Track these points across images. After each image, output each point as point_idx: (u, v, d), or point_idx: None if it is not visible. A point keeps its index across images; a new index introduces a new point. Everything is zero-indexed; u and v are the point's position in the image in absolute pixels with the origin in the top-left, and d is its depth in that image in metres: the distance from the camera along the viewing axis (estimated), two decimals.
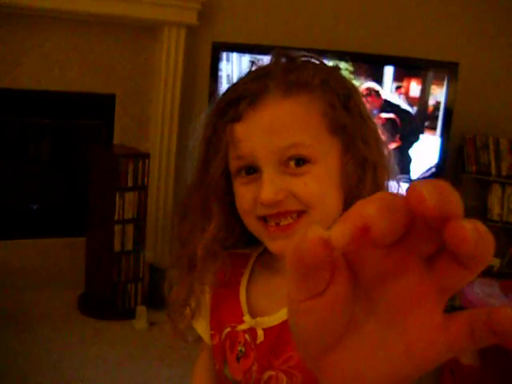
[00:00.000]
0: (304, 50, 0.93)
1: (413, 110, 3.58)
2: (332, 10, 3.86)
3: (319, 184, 0.83)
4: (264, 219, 0.85)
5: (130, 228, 3.47)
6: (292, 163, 0.83)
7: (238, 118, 0.85)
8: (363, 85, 3.51)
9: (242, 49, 3.51)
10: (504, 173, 3.81)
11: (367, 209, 0.30)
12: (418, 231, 0.31)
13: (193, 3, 3.64)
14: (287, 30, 3.69)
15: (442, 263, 0.32)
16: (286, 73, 0.86)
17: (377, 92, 3.53)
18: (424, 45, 3.77)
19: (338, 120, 0.85)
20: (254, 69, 0.91)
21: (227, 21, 3.80)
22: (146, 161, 3.49)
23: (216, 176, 0.88)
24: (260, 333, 0.89)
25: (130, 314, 3.43)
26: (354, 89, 0.91)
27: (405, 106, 3.56)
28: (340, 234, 0.30)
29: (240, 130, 0.85)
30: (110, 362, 2.96)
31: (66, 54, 3.55)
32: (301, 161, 0.83)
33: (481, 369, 2.61)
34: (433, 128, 3.58)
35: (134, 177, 3.43)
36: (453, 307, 2.77)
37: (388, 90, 3.56)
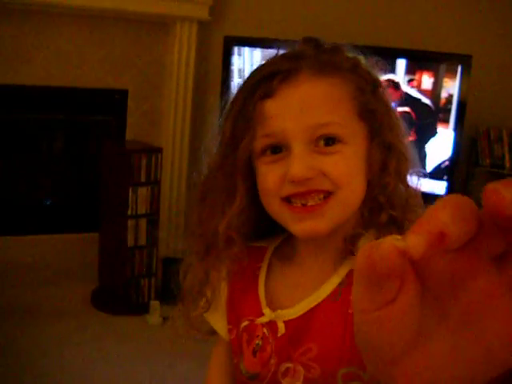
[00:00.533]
0: None
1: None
2: (344, 3, 3.84)
3: (348, 165, 0.83)
4: (288, 201, 0.84)
5: (143, 223, 3.48)
6: (322, 142, 0.82)
7: (270, 94, 0.84)
8: (382, 77, 3.47)
9: (253, 43, 3.50)
10: None
11: (440, 215, 0.30)
12: (484, 231, 0.31)
13: None
14: (299, 23, 3.67)
15: None
16: (319, 54, 0.87)
17: (397, 84, 3.50)
18: (437, 37, 3.74)
19: (367, 105, 0.86)
20: (282, 52, 0.90)
21: (239, 15, 3.79)
22: (159, 156, 3.50)
23: (244, 155, 0.87)
24: (281, 325, 0.88)
25: (144, 309, 3.44)
26: (379, 79, 0.92)
27: (425, 100, 3.52)
28: (416, 242, 0.30)
29: (271, 106, 0.84)
30: (124, 356, 2.97)
31: (79, 49, 3.56)
32: (331, 140, 0.82)
33: None
34: (446, 121, 3.56)
35: (146, 172, 3.44)
36: None
37: (400, 83, 3.53)
